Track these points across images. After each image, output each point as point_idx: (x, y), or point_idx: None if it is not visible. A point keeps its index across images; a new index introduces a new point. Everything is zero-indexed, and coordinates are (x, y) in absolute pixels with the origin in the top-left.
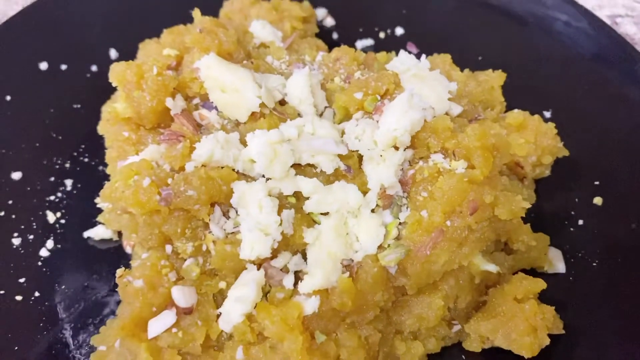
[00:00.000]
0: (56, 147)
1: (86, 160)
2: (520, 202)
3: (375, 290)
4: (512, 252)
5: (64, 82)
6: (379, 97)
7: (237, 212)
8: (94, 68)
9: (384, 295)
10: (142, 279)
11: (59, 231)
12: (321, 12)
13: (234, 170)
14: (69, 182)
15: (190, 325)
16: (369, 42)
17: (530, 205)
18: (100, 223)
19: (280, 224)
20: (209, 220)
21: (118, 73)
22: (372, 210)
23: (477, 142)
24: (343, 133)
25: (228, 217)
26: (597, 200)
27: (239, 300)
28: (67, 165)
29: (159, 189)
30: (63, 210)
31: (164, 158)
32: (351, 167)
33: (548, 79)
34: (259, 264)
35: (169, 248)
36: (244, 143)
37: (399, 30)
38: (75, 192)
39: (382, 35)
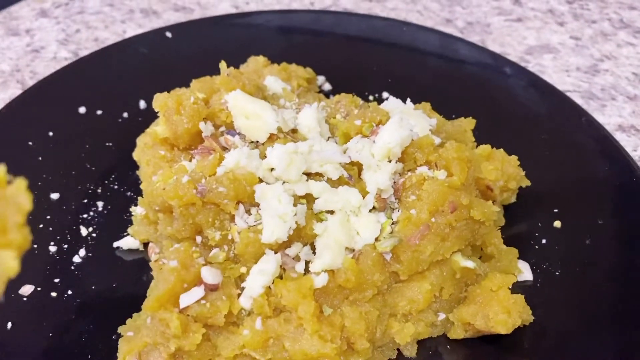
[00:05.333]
0: (90, 175)
1: (115, 187)
2: (492, 207)
3: (374, 272)
4: (488, 260)
5: (98, 124)
6: (374, 124)
7: (257, 210)
8: (125, 115)
9: (381, 276)
10: (177, 260)
11: (90, 242)
12: (321, 79)
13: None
14: (100, 204)
15: (216, 299)
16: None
17: (498, 219)
18: (128, 235)
19: (295, 215)
20: (235, 214)
21: (161, 100)
22: (370, 211)
23: (455, 154)
24: (345, 151)
25: (250, 214)
26: (557, 224)
27: (261, 273)
28: (99, 190)
29: (195, 185)
30: (94, 226)
31: (196, 168)
32: (352, 175)
33: (512, 131)
34: (276, 250)
35: (198, 239)
36: (263, 158)
37: (385, 94)
38: (105, 212)
39: (371, 98)
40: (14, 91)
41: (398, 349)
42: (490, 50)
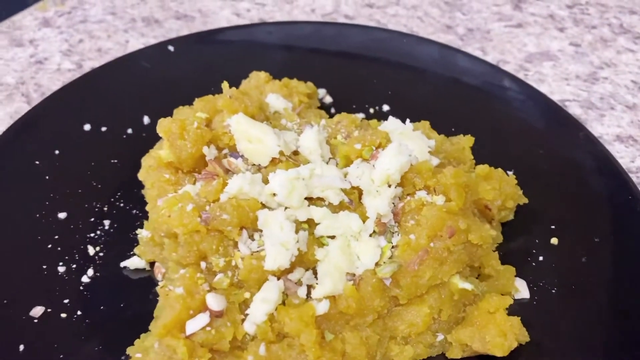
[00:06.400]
0: (96, 193)
1: (122, 205)
2: (489, 230)
3: (374, 297)
4: (486, 279)
5: (104, 141)
6: (374, 148)
7: (260, 235)
8: (129, 131)
9: (381, 302)
10: (182, 287)
11: (98, 262)
12: (322, 92)
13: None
14: (107, 222)
15: (221, 325)
16: (360, 115)
17: (495, 236)
18: (135, 255)
19: (297, 242)
20: (238, 240)
21: (165, 126)
22: (370, 235)
23: (453, 180)
24: (346, 175)
25: (253, 239)
26: (554, 241)
27: (264, 301)
28: (106, 208)
29: (200, 213)
30: (102, 245)
31: (199, 193)
32: (353, 200)
33: (510, 145)
34: (279, 276)
35: (203, 265)
36: (265, 182)
37: (386, 107)
38: (112, 230)
39: (371, 110)
40: (20, 104)
41: None
42: (489, 63)
